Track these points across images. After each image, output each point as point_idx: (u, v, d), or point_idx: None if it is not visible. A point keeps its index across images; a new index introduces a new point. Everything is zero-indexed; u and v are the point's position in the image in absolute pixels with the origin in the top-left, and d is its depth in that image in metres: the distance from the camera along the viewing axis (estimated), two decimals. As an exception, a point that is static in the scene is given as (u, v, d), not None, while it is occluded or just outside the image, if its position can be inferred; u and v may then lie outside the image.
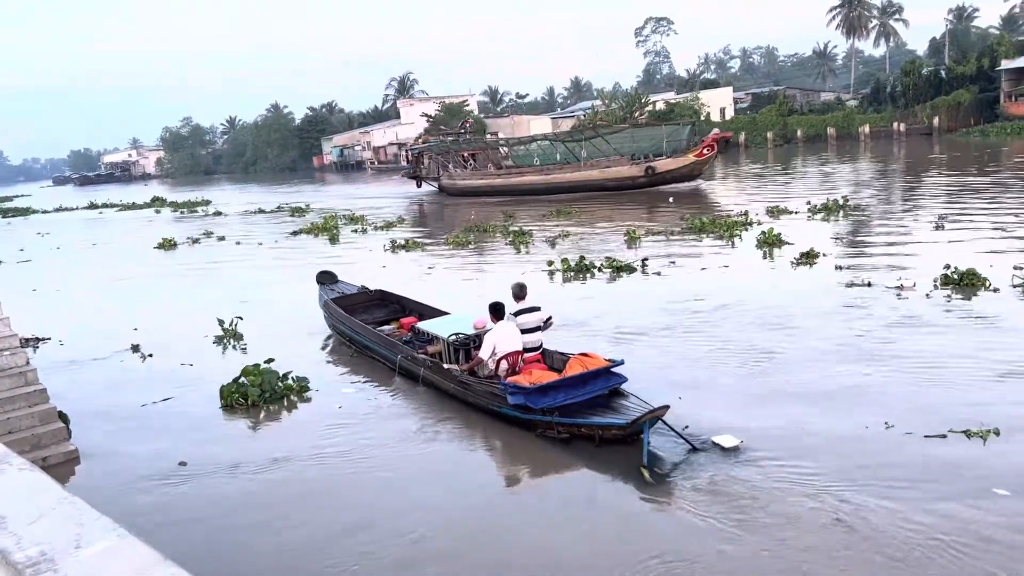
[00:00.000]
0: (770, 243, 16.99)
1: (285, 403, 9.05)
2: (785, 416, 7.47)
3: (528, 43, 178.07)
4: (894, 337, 9.72)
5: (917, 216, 20.31)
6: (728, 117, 74.59)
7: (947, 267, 12.45)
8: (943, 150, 44.65)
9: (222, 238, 26.92)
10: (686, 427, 7.13)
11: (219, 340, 11.97)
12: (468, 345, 9.22)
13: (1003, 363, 8.41)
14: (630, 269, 15.31)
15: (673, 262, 15.98)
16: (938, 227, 17.72)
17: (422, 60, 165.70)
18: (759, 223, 20.18)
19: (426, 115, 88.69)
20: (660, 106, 70.77)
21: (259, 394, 8.92)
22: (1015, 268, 12.40)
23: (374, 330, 10.61)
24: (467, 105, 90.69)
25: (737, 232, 18.95)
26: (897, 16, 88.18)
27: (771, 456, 6.60)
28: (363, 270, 17.00)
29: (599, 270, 15.53)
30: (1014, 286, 11.54)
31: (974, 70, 59.14)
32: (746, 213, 22.15)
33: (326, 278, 13.41)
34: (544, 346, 8.63)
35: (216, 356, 11.39)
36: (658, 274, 14.94)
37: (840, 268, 13.99)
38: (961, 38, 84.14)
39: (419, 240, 22.47)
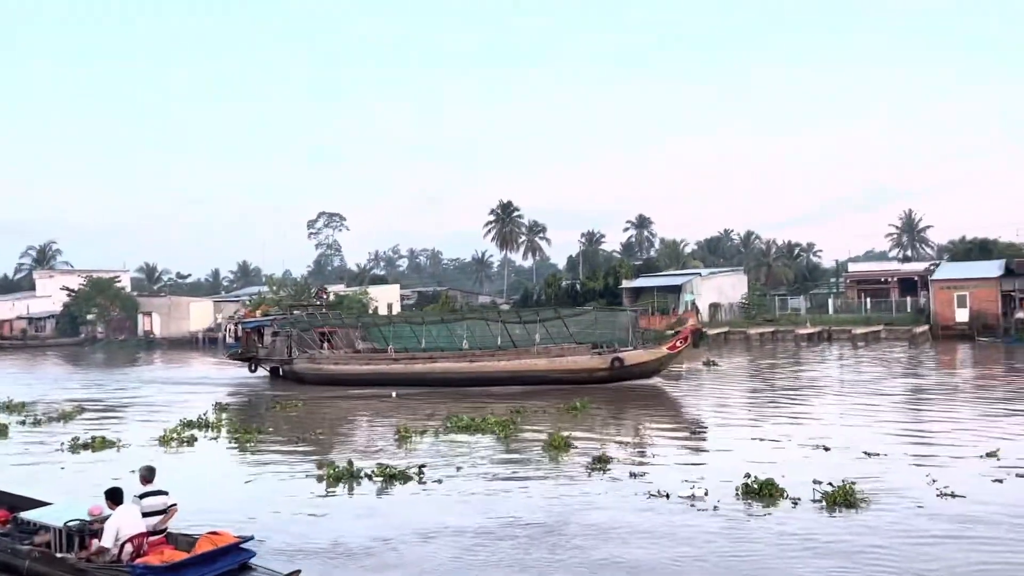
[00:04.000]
0: (557, 446, 16.16)
1: None
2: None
3: (194, 221, 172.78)
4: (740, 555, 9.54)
5: (669, 418, 21.09)
6: (395, 312, 77.19)
7: (747, 476, 12.37)
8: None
9: None
10: None
11: None
12: (84, 532, 8.68)
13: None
14: (405, 477, 13.81)
15: (459, 468, 14.70)
16: (694, 433, 18.47)
17: (70, 228, 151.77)
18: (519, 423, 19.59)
19: (67, 289, 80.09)
20: (330, 298, 71.20)
21: None
22: (815, 482, 12.27)
23: None
24: (118, 280, 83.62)
25: (512, 432, 18.07)
26: (542, 235, 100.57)
27: None
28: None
29: (368, 478, 13.84)
30: (814, 500, 11.65)
31: (602, 286, 68.37)
32: (518, 411, 21.39)
33: None
34: (169, 529, 8.72)
35: None
36: (438, 483, 13.61)
37: (634, 476, 13.68)
38: (592, 258, 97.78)
39: (113, 437, 18.56)
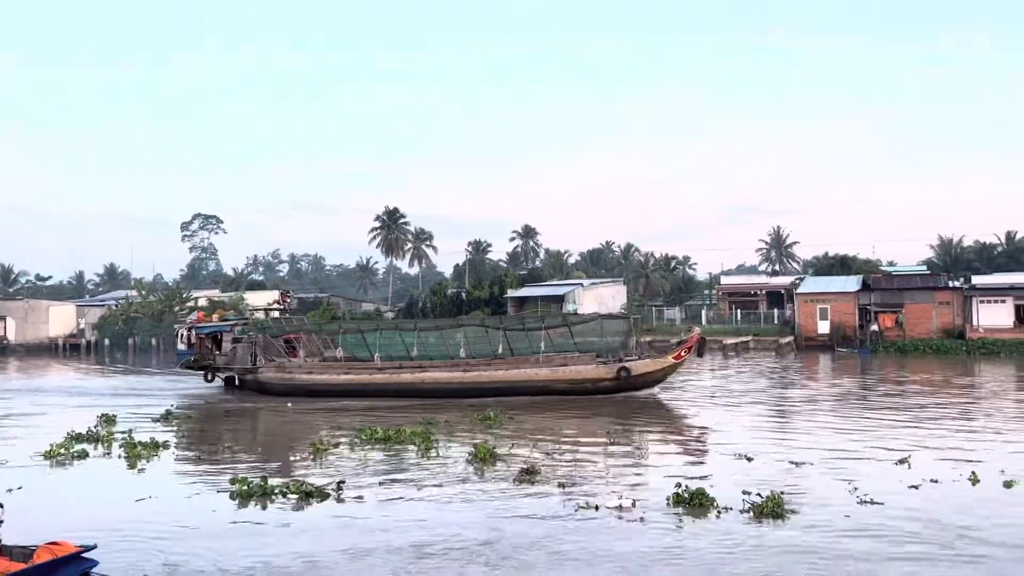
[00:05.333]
0: (483, 458, 15.74)
1: None
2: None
3: (56, 220, 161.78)
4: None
5: (586, 427, 20.83)
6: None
7: (678, 485, 12.58)
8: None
9: None
10: None
11: None
12: None
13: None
14: (322, 494, 13.20)
15: (382, 483, 14.23)
16: (612, 443, 18.04)
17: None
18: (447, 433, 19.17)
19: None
20: (203, 303, 68.53)
21: None
22: (744, 492, 12.48)
23: None
24: (-33, 283, 77.53)
25: (433, 444, 17.61)
26: (428, 243, 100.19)
27: None
28: None
29: (283, 495, 13.16)
30: (741, 511, 11.80)
31: (488, 295, 68.80)
32: (430, 422, 20.77)
33: None
34: (3, 541, 8.52)
35: None
36: (360, 499, 13.06)
37: (563, 487, 13.60)
38: (478, 267, 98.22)
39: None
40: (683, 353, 27.76)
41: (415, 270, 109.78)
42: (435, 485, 14.12)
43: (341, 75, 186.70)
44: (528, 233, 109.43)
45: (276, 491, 13.36)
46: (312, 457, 17.02)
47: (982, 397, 27.64)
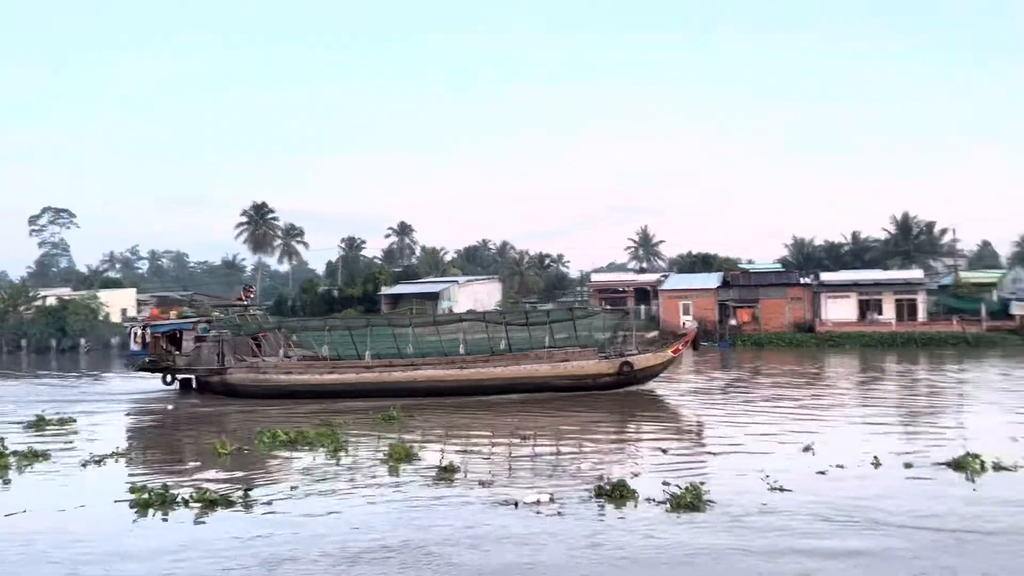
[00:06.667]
0: (399, 458, 15.39)
1: None
2: None
3: None
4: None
5: (492, 423, 20.80)
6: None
7: (600, 479, 12.80)
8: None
9: None
10: None
11: None
12: None
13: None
14: (227, 502, 12.42)
15: (292, 487, 13.62)
16: (524, 438, 18.01)
17: None
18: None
19: None
20: (51, 301, 64.19)
21: None
22: (664, 483, 12.84)
23: None
24: None
25: (342, 446, 17.00)
26: (299, 239, 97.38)
27: None
28: None
29: (185, 504, 12.30)
30: (660, 502, 12.00)
31: (361, 292, 67.72)
32: (330, 423, 20.00)
33: None
34: None
35: None
36: (269, 504, 12.40)
37: (484, 484, 13.43)
38: (352, 264, 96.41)
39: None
40: (680, 347, 28.28)
41: (285, 267, 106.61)
42: (349, 488, 13.77)
43: (217, 73, 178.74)
44: (404, 230, 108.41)
45: (177, 500, 12.61)
46: (213, 462, 16.26)
47: (850, 387, 29.57)
